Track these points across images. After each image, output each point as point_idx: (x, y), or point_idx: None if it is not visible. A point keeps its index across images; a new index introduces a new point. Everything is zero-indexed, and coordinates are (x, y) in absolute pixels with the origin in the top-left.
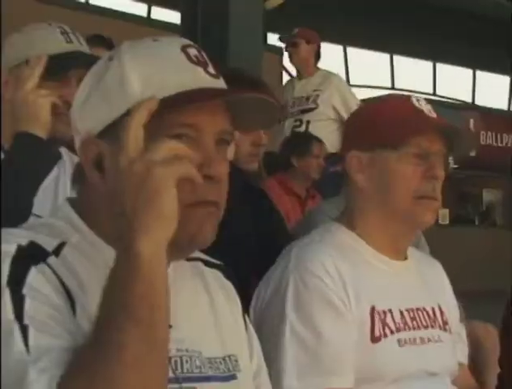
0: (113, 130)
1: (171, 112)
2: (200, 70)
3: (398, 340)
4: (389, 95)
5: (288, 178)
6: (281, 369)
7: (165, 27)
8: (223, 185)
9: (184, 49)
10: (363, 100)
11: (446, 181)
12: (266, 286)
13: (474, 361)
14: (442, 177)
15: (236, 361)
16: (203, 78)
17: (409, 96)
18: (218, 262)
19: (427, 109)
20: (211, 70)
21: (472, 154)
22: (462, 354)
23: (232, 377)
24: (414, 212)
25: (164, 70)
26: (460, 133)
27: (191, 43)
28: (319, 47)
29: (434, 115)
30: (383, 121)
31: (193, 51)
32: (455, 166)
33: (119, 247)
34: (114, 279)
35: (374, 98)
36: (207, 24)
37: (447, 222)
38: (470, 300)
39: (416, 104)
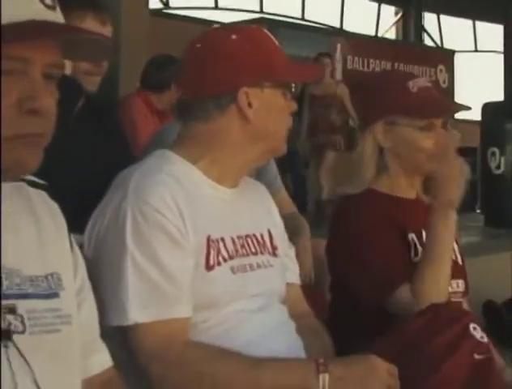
0: None
1: None
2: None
3: (231, 268)
4: (255, 27)
5: (153, 96)
6: (125, 300)
7: None
8: (48, 119)
9: None
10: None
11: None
12: (103, 215)
13: (317, 275)
14: None
15: (60, 279)
16: (38, 9)
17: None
18: (43, 183)
19: None
20: (48, 1)
21: (338, 78)
22: (293, 275)
23: (55, 295)
24: (282, 143)
25: None
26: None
27: None
28: None
29: None
30: (272, 61)
31: None
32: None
33: None
34: None
35: (243, 29)
36: None
37: None
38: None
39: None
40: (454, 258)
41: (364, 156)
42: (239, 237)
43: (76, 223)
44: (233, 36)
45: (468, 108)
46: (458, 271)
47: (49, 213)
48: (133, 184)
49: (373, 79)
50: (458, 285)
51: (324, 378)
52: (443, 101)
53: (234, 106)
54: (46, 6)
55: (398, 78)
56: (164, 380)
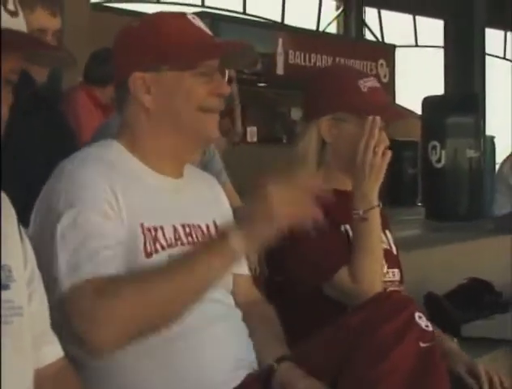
0: None
1: None
2: None
3: (170, 256)
4: (161, 12)
5: (96, 90)
6: (56, 275)
7: None
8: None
9: None
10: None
11: (255, 100)
12: (41, 202)
13: (262, 266)
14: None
15: (10, 271)
16: (3, 17)
17: (184, 13)
18: None
19: (203, 26)
20: (11, 6)
21: (280, 73)
22: (242, 266)
23: (6, 287)
24: (200, 127)
25: None
26: (243, 48)
27: None
28: None
29: (210, 32)
30: (169, 43)
31: None
32: (263, 84)
33: None
34: None
35: (148, 16)
36: None
37: (255, 140)
38: None
39: (193, 21)
40: (388, 247)
41: (310, 150)
42: (183, 226)
43: (24, 217)
44: (134, 25)
45: (415, 114)
46: (392, 261)
47: None
48: (68, 170)
49: (323, 73)
50: (394, 274)
51: (233, 238)
52: (391, 106)
53: (131, 93)
54: (10, 13)
55: (348, 75)
56: (100, 330)
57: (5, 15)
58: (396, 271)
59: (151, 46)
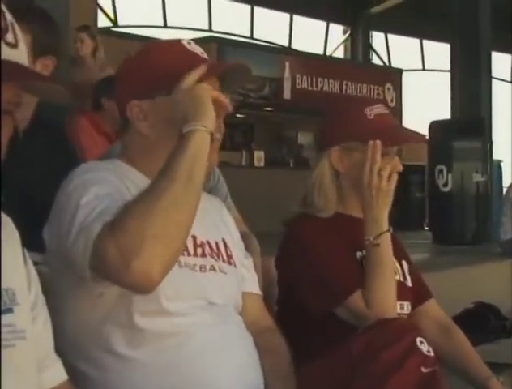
0: None
1: None
2: None
3: (178, 262)
4: (158, 40)
5: (98, 117)
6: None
7: None
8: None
9: None
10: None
11: (262, 124)
12: (53, 211)
13: (265, 292)
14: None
15: (14, 294)
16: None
17: (180, 40)
18: None
19: (199, 51)
20: (11, 37)
21: (287, 97)
22: (251, 284)
23: (9, 310)
24: None
25: None
26: (236, 68)
27: None
28: None
29: (206, 56)
30: (162, 71)
31: None
32: (270, 109)
33: None
34: None
35: (144, 46)
36: None
37: (262, 164)
38: (277, 238)
39: (189, 47)
40: (401, 279)
41: (324, 180)
42: (193, 237)
43: (28, 240)
44: (132, 55)
45: (423, 137)
46: (403, 294)
47: (2, 227)
48: (75, 180)
49: (331, 104)
50: (403, 307)
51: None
52: (399, 130)
53: (130, 121)
54: (9, 45)
55: (355, 104)
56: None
57: (4, 48)
58: (406, 303)
59: (145, 75)
